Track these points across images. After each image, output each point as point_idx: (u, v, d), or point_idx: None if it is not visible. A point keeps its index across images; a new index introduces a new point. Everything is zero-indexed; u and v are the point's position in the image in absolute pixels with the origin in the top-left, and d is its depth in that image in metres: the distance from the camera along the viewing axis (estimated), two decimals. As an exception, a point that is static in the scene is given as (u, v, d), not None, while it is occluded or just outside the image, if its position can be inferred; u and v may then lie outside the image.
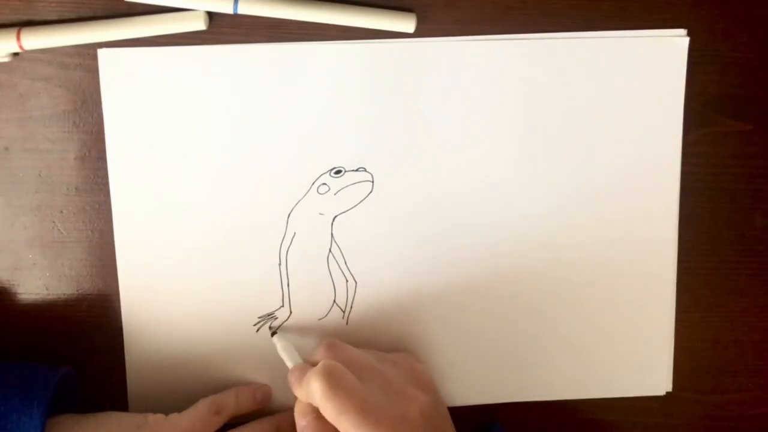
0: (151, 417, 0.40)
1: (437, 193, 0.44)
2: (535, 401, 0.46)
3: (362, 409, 0.35)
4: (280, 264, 0.44)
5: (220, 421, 0.41)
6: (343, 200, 0.43)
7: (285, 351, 0.42)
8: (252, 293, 0.44)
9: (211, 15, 0.41)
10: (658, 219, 0.45)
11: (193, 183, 0.42)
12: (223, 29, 0.42)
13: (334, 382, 0.36)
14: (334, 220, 0.44)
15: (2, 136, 0.42)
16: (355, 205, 0.44)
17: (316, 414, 0.37)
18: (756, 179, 0.46)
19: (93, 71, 0.41)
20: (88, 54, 0.41)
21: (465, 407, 0.46)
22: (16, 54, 0.41)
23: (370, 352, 0.41)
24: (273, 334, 0.44)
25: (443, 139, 0.43)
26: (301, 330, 0.44)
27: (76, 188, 0.43)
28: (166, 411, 0.41)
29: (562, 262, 0.45)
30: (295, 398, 0.39)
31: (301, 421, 0.38)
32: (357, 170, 0.43)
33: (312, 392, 0.36)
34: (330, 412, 0.35)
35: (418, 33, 0.42)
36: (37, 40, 0.40)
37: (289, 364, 0.41)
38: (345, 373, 0.37)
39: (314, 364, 0.38)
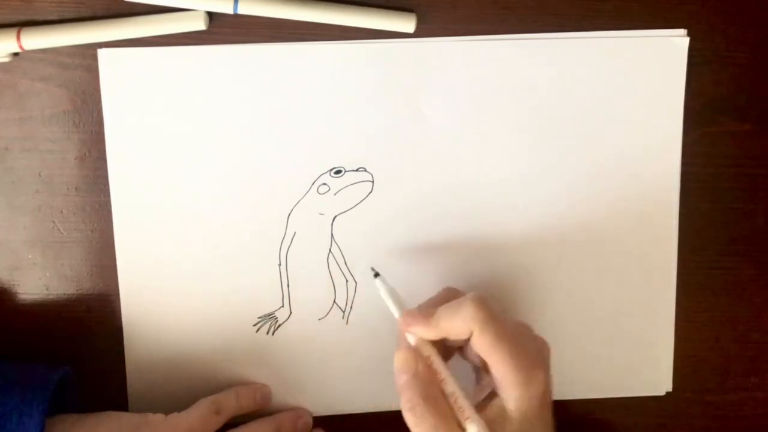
0: (151, 416, 0.40)
1: (437, 193, 0.44)
2: (535, 401, 0.46)
3: (514, 340, 0.36)
4: (280, 264, 0.44)
5: (220, 420, 0.41)
6: (343, 200, 0.43)
7: (390, 295, 0.41)
8: (252, 293, 0.44)
9: (211, 15, 0.41)
10: (658, 219, 0.45)
11: (193, 183, 0.42)
12: (223, 29, 0.42)
13: (490, 311, 0.37)
14: (334, 220, 0.44)
15: (2, 136, 0.42)
16: (355, 205, 0.44)
17: (420, 376, 0.37)
18: (756, 179, 0.46)
19: (93, 71, 0.41)
20: (88, 54, 0.41)
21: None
22: (16, 54, 0.41)
23: None
24: (376, 275, 0.42)
25: (443, 138, 0.43)
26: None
27: (76, 188, 0.43)
28: (166, 411, 0.41)
29: (561, 263, 0.45)
30: (398, 349, 0.38)
31: (400, 377, 0.37)
32: (357, 170, 0.43)
33: (467, 320, 0.36)
34: (487, 339, 0.36)
35: (418, 33, 0.42)
36: (37, 40, 0.40)
37: (396, 308, 0.40)
38: (494, 304, 0.38)
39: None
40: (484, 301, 0.37)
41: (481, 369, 0.38)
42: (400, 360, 0.38)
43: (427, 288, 0.44)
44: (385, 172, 0.43)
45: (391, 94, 0.43)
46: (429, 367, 0.37)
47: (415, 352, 0.38)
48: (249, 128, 0.42)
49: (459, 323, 0.37)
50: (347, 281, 0.44)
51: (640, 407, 0.47)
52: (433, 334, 0.38)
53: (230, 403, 0.42)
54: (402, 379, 0.37)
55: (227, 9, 0.40)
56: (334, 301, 0.44)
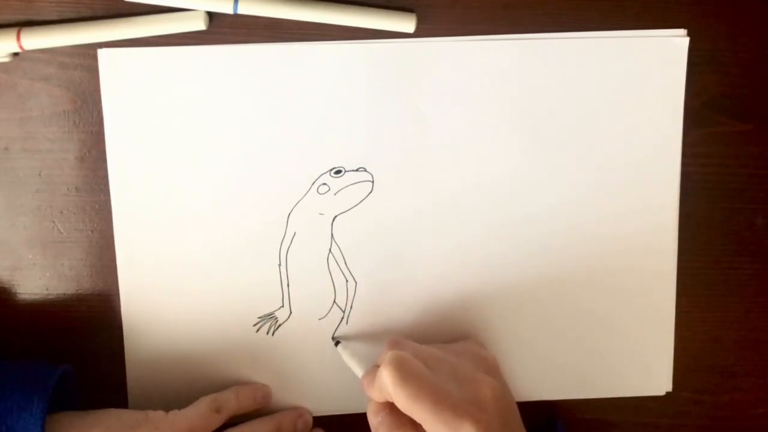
0: (152, 413, 0.40)
1: (437, 193, 0.44)
2: (535, 401, 0.46)
3: (435, 394, 0.35)
4: (280, 264, 0.44)
5: (220, 419, 0.41)
6: (343, 200, 0.43)
7: (352, 358, 0.43)
8: (252, 293, 0.44)
9: (211, 15, 0.41)
10: (658, 219, 0.45)
11: (193, 183, 0.42)
12: (223, 29, 0.42)
13: (404, 371, 0.36)
14: (334, 220, 0.44)
15: (2, 136, 0.42)
16: (355, 205, 0.44)
17: (389, 410, 0.38)
18: (756, 179, 0.46)
19: (93, 71, 0.41)
20: (88, 54, 0.41)
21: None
22: (16, 54, 0.41)
23: (433, 345, 0.41)
24: (337, 343, 0.44)
25: (443, 139, 0.43)
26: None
27: (76, 188, 0.43)
28: (166, 410, 0.41)
29: (560, 263, 0.45)
30: (368, 401, 0.40)
31: (374, 419, 0.39)
32: (357, 170, 0.43)
33: (384, 384, 0.36)
34: (403, 400, 0.36)
35: (418, 33, 0.42)
36: (37, 40, 0.40)
37: (358, 370, 0.42)
38: (413, 361, 0.37)
39: None
40: (399, 363, 0.36)
41: None
42: (372, 406, 0.39)
43: (427, 288, 0.44)
44: (385, 172, 0.43)
45: (391, 94, 0.43)
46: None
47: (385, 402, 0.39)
48: (249, 128, 0.42)
49: (383, 391, 0.37)
50: (347, 281, 0.44)
51: (640, 407, 0.47)
52: (381, 398, 0.38)
53: (230, 402, 0.42)
54: (376, 420, 0.38)
55: (227, 9, 0.40)
56: (334, 301, 0.44)
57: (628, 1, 0.43)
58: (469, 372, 0.38)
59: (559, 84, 0.43)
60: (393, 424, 0.37)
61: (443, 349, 0.40)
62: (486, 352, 0.42)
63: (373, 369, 0.40)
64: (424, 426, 0.35)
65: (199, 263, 0.43)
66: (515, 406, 0.39)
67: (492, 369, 0.40)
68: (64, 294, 0.44)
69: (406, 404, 0.36)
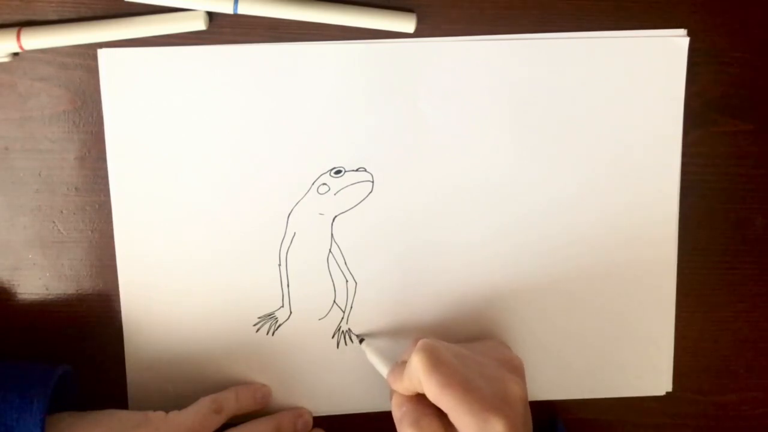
0: (152, 414, 0.40)
1: (437, 193, 0.44)
2: (535, 401, 0.46)
3: (465, 384, 0.36)
4: (280, 264, 0.44)
5: (220, 419, 0.41)
6: (343, 200, 0.43)
7: (375, 356, 0.43)
8: (252, 293, 0.44)
9: (211, 15, 0.41)
10: (658, 219, 0.45)
11: (193, 183, 0.42)
12: (223, 29, 0.42)
13: (435, 358, 0.36)
14: (334, 220, 0.44)
15: (2, 136, 0.42)
16: (355, 205, 0.44)
17: (414, 402, 0.38)
18: (756, 179, 0.46)
19: (93, 71, 0.41)
20: (88, 54, 0.41)
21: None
22: (16, 54, 0.41)
23: (458, 344, 0.41)
24: (361, 341, 0.44)
25: (443, 139, 0.43)
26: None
27: (76, 188, 0.43)
28: (166, 410, 0.41)
29: (560, 263, 0.45)
30: (391, 395, 0.40)
31: (398, 411, 0.39)
32: (357, 170, 0.43)
33: (414, 371, 0.36)
34: (433, 387, 0.36)
35: (418, 33, 0.42)
36: (37, 40, 0.40)
37: (382, 367, 0.42)
38: (444, 351, 0.37)
39: None
40: (431, 350, 0.37)
41: None
42: (396, 398, 0.39)
43: (428, 287, 0.44)
44: (385, 172, 0.43)
45: (391, 94, 0.43)
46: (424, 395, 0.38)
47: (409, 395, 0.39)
48: (249, 128, 0.42)
49: (414, 379, 0.37)
50: (347, 281, 0.44)
51: (640, 407, 0.47)
52: (408, 390, 0.38)
53: (230, 403, 0.42)
54: (400, 411, 0.38)
55: (227, 9, 0.40)
56: (334, 301, 0.44)
57: (628, 1, 0.43)
58: (496, 371, 0.38)
59: (559, 84, 0.43)
60: (417, 414, 0.37)
61: (469, 347, 0.40)
62: (511, 353, 0.42)
63: (400, 364, 0.40)
64: (451, 416, 0.35)
65: (199, 263, 0.43)
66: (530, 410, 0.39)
67: (517, 370, 0.40)
68: (64, 294, 0.44)
69: (436, 392, 0.36)
